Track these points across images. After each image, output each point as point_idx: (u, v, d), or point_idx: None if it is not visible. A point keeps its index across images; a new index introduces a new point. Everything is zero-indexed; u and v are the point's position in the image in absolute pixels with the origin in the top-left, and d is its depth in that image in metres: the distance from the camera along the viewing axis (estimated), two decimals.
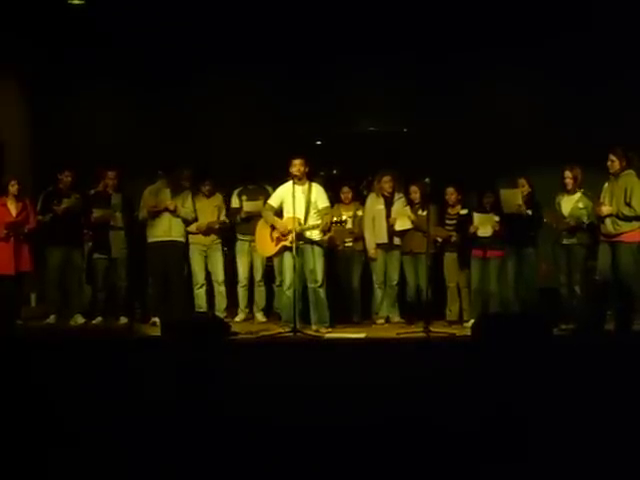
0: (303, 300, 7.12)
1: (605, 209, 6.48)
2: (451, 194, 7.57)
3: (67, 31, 8.63)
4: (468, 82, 8.80)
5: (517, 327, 6.09)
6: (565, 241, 6.92)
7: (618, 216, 6.41)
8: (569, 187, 6.92)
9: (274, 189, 7.24)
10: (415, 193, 7.62)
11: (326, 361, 5.43)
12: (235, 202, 7.91)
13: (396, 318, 7.77)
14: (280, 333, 6.74)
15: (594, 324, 6.53)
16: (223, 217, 7.85)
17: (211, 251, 7.81)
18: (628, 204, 6.38)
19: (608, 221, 6.47)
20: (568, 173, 6.90)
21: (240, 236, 7.89)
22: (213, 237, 7.83)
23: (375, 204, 7.74)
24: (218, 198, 7.88)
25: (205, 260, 7.79)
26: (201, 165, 8.08)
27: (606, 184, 6.61)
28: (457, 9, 8.20)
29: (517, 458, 3.37)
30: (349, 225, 7.51)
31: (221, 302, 7.82)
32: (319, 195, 7.05)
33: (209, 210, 7.82)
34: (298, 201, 6.88)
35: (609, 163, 6.51)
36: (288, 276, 6.97)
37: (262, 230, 7.20)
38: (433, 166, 7.92)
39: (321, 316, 7.01)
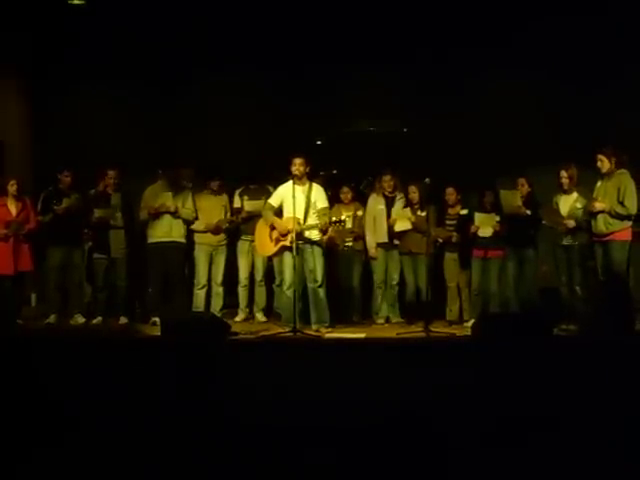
0: (303, 300, 7.12)
1: (598, 205, 6.51)
2: (451, 194, 7.56)
3: (67, 31, 8.63)
4: (468, 82, 8.80)
5: (517, 327, 6.09)
6: (565, 241, 6.92)
7: (611, 214, 6.44)
8: (565, 187, 6.94)
9: (275, 189, 7.24)
10: (414, 193, 7.61)
11: (326, 361, 5.42)
12: (237, 202, 7.90)
13: (396, 318, 7.76)
14: (280, 333, 6.73)
15: (595, 324, 6.53)
16: (230, 217, 7.84)
17: (216, 252, 7.80)
18: (621, 203, 6.42)
19: (600, 219, 6.51)
20: (564, 173, 6.92)
21: (241, 236, 7.88)
22: (220, 237, 7.81)
23: (376, 204, 7.74)
24: (225, 198, 7.87)
25: (209, 261, 7.79)
26: (203, 164, 8.08)
27: (598, 183, 6.65)
28: (457, 9, 8.20)
29: (517, 458, 3.37)
30: (349, 225, 7.50)
31: (217, 303, 7.80)
32: (319, 195, 7.05)
33: (216, 209, 7.79)
34: (298, 201, 6.87)
35: (599, 163, 6.57)
36: (288, 276, 6.96)
37: (262, 230, 7.20)
38: (433, 166, 7.92)
39: (321, 316, 7.01)
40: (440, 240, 7.54)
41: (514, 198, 7.12)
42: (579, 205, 6.85)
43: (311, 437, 3.67)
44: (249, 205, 7.73)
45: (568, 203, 6.93)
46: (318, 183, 7.21)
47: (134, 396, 4.41)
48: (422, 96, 8.92)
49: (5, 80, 9.06)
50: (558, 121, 8.51)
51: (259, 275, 7.88)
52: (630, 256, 6.57)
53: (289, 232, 6.81)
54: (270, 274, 7.83)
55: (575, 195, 6.92)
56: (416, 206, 7.62)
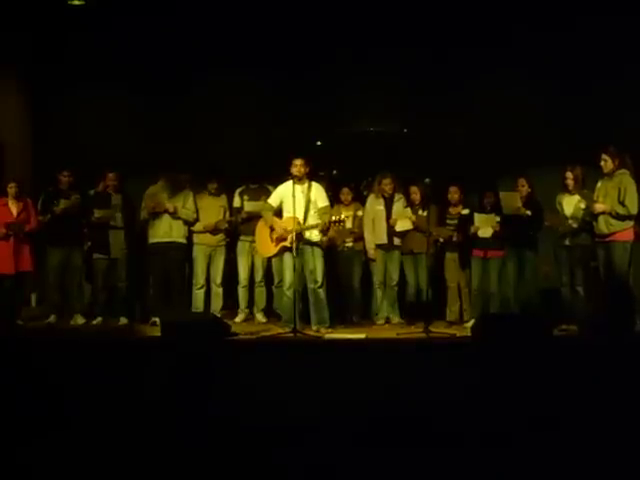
0: (303, 301, 7.12)
1: (599, 207, 6.50)
2: (454, 192, 7.55)
3: (67, 31, 8.63)
4: (468, 82, 8.79)
5: (517, 327, 6.09)
6: (567, 242, 6.92)
7: (612, 214, 6.44)
8: (570, 187, 6.92)
9: (275, 189, 7.23)
10: (415, 194, 7.62)
11: (326, 361, 5.43)
12: (237, 202, 7.89)
13: (396, 318, 7.76)
14: (280, 333, 6.73)
15: (596, 324, 6.53)
16: (228, 217, 7.84)
17: (215, 252, 7.81)
18: (622, 203, 6.41)
19: (601, 220, 6.50)
20: (569, 174, 6.90)
21: (241, 236, 7.89)
22: (219, 238, 7.82)
23: (375, 205, 7.74)
24: (223, 198, 7.87)
25: (208, 261, 7.79)
26: (202, 165, 8.08)
27: (599, 183, 6.64)
28: (457, 9, 8.19)
29: (517, 458, 3.37)
30: (348, 225, 7.50)
31: (217, 303, 7.81)
32: (319, 194, 7.04)
33: (215, 209, 7.80)
34: (298, 201, 6.86)
35: (602, 163, 6.55)
36: (288, 276, 6.96)
37: (262, 230, 7.19)
38: (433, 166, 7.92)
39: (321, 316, 7.00)
40: (441, 240, 7.54)
41: (514, 199, 7.12)
42: (583, 206, 6.82)
43: (311, 437, 3.67)
44: (249, 205, 7.72)
45: (572, 203, 6.91)
46: (318, 183, 7.21)
47: (134, 396, 4.41)
48: (422, 96, 8.90)
49: (5, 80, 9.05)
50: (558, 121, 8.49)
51: (259, 276, 7.88)
52: (631, 256, 6.56)
53: (289, 232, 6.81)
54: (270, 275, 7.83)
55: (578, 196, 6.90)
56: (417, 206, 7.62)
